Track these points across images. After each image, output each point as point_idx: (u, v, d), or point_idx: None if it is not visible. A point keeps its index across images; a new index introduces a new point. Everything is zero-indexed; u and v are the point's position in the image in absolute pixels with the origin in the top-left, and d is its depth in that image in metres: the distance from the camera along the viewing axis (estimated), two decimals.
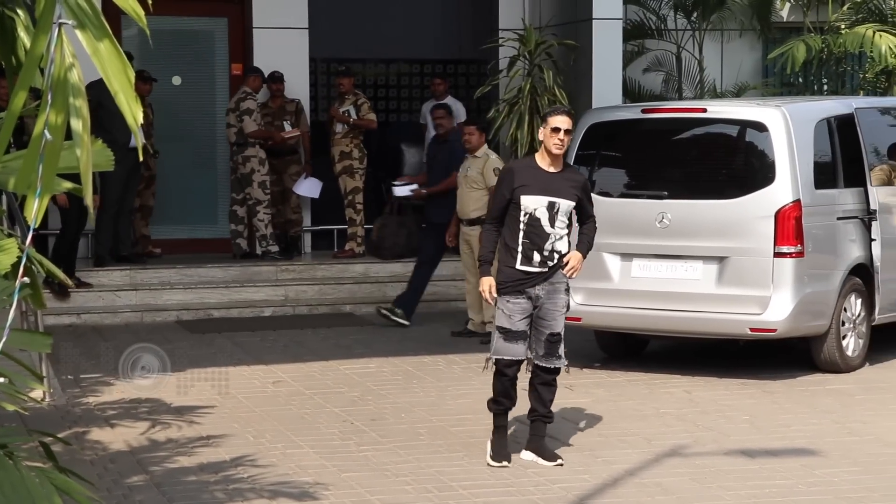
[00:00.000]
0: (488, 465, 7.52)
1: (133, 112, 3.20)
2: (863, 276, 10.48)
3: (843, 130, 10.67)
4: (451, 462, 7.63)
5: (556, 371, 7.64)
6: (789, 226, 9.78)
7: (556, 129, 7.45)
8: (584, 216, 7.72)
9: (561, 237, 7.50)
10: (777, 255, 9.78)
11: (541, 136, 7.63)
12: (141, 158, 4.05)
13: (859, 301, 10.43)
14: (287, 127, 14.38)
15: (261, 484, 7.15)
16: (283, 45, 14.72)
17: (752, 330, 9.90)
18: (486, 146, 11.79)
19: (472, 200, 11.59)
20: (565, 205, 7.49)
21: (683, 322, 10.12)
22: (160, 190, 14.48)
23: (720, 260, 9.97)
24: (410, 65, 16.38)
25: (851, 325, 10.34)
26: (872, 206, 10.51)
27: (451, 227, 12.01)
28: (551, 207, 7.46)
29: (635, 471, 7.42)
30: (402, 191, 12.94)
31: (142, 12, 3.24)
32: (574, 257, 7.52)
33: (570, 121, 7.54)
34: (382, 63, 16.36)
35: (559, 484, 7.17)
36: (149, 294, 13.27)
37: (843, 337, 10.26)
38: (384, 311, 12.43)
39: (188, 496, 6.93)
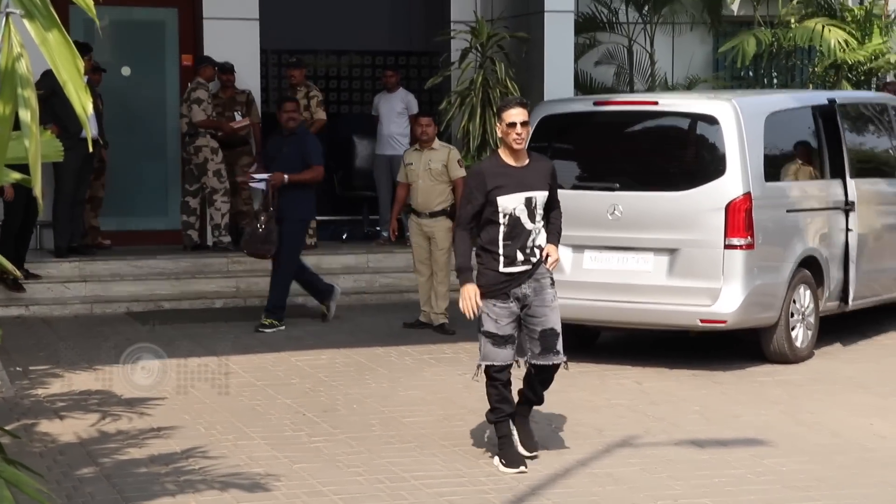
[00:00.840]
0: (501, 471, 7.22)
1: (82, 102, 3.18)
2: (812, 269, 10.57)
3: (800, 124, 10.85)
4: (403, 453, 7.63)
5: (556, 368, 7.44)
6: (740, 218, 9.84)
7: (512, 125, 7.23)
8: (553, 204, 7.46)
9: (540, 231, 7.34)
10: (727, 247, 9.84)
11: (499, 133, 7.38)
12: (91, 149, 4.02)
13: (808, 293, 10.52)
14: (238, 117, 14.32)
15: (212, 475, 7.12)
16: (233, 36, 14.64)
17: (702, 321, 9.96)
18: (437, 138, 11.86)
19: (437, 193, 11.60)
20: (541, 196, 7.31)
21: (635, 313, 10.17)
22: (110, 181, 14.37)
23: (671, 252, 10.02)
24: (362, 56, 16.36)
25: (800, 317, 10.44)
26: (850, 198, 10.82)
27: (392, 221, 12.11)
28: (529, 203, 7.27)
29: (587, 461, 7.45)
30: (258, 184, 12.09)
31: (91, 2, 3.22)
32: (552, 249, 7.36)
33: (525, 112, 7.28)
34: (334, 54, 16.33)
35: (511, 474, 7.18)
36: (99, 286, 13.18)
37: (793, 328, 10.34)
38: (260, 329, 11.78)
39: (139, 488, 6.89)
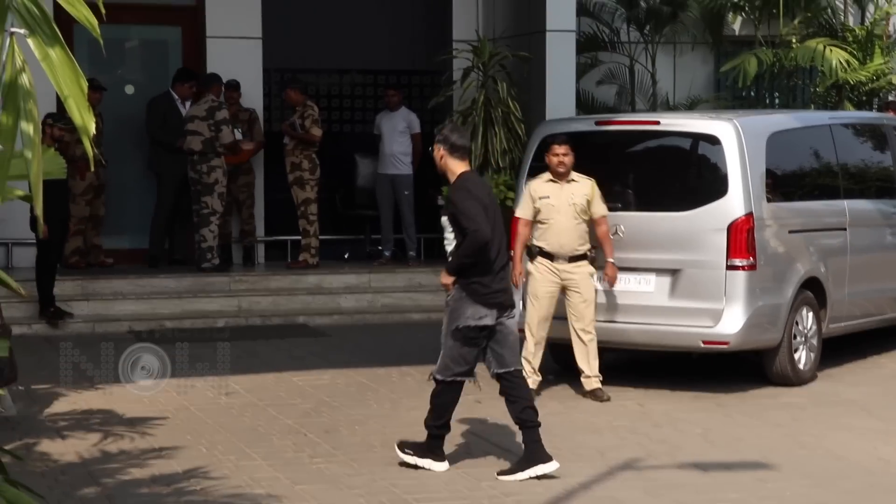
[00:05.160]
0: (537, 477, 7.45)
1: (84, 120, 3.18)
2: (814, 290, 10.55)
3: (801, 144, 10.86)
4: (404, 474, 7.61)
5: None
6: (741, 238, 9.83)
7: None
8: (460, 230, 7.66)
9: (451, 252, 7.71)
10: (730, 267, 9.83)
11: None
12: (92, 168, 4.01)
13: (811, 314, 10.50)
14: (239, 135, 14.34)
15: (213, 496, 7.10)
16: (236, 54, 14.68)
17: (704, 343, 9.94)
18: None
19: (579, 233, 9.80)
20: (443, 219, 7.73)
21: (637, 334, 10.15)
22: (111, 200, 14.38)
23: (673, 272, 10.01)
24: (364, 75, 16.38)
25: (803, 339, 10.41)
26: (849, 219, 10.90)
27: (517, 264, 9.85)
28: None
29: (589, 484, 7.42)
30: None
31: (95, 21, 3.22)
32: (442, 274, 7.77)
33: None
34: (336, 73, 16.35)
35: (513, 497, 7.16)
36: (101, 304, 13.17)
37: (795, 350, 10.32)
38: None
39: None
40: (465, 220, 7.49)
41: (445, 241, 7.79)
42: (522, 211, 9.90)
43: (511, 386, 7.66)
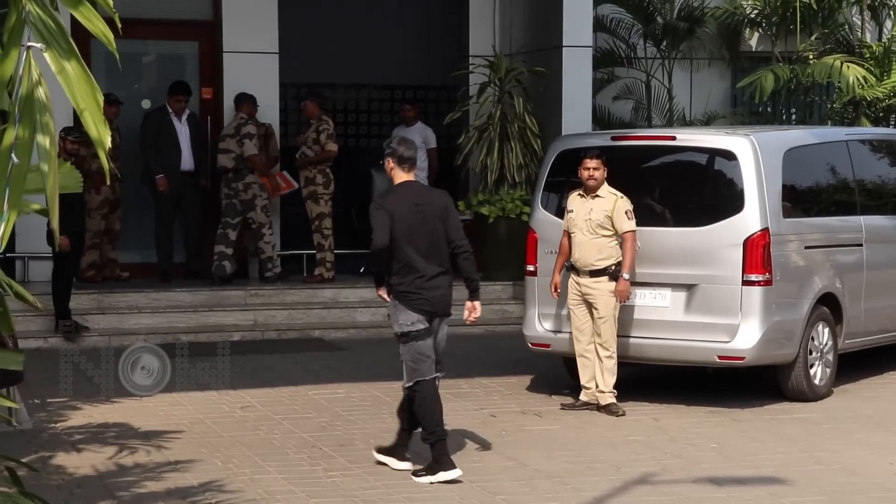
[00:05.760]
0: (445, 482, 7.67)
1: (101, 134, 3.20)
2: (830, 306, 10.53)
3: (816, 160, 10.83)
4: (419, 489, 7.61)
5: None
6: (757, 254, 9.82)
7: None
8: None
9: None
10: (745, 283, 9.82)
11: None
12: (108, 182, 4.03)
13: (827, 330, 10.47)
14: (254, 149, 14.40)
15: None
16: (253, 69, 14.72)
17: (720, 358, 9.93)
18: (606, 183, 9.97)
19: (597, 248, 9.81)
20: None
21: (652, 349, 10.14)
22: (128, 214, 14.42)
23: (689, 287, 10.00)
24: (381, 90, 16.42)
25: (819, 354, 10.39)
26: (865, 235, 10.89)
27: (555, 275, 10.06)
28: None
29: (604, 498, 7.41)
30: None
31: (111, 36, 3.24)
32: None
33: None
34: (353, 88, 16.39)
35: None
36: (116, 318, 13.21)
37: (811, 366, 10.29)
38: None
39: None
40: (373, 231, 7.94)
41: None
42: (564, 223, 10.07)
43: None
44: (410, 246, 7.85)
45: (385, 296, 8.06)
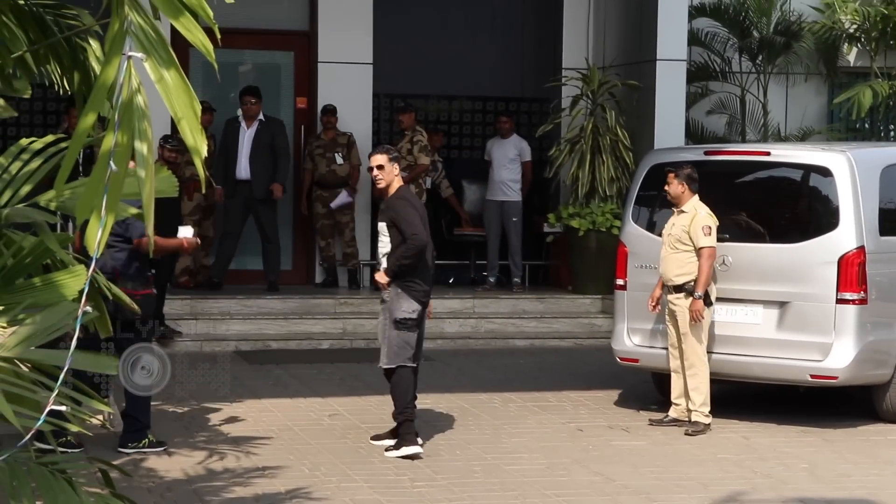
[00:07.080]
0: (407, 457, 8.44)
1: (197, 142, 3.24)
2: None
3: None
4: (505, 500, 7.59)
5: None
6: (852, 272, 9.68)
7: (370, 168, 8.79)
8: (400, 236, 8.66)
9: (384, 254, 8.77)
10: (840, 301, 9.68)
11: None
12: (203, 190, 4.08)
13: None
14: (339, 159, 14.48)
15: None
16: (347, 79, 14.82)
17: (812, 377, 9.79)
18: (695, 198, 9.85)
19: (677, 263, 9.74)
20: (381, 226, 8.75)
21: (743, 366, 10.03)
22: (219, 221, 14.57)
23: (781, 305, 9.88)
24: (473, 102, 16.44)
25: None
26: None
27: (654, 290, 9.97)
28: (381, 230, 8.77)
29: None
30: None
31: (210, 46, 3.28)
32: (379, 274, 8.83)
33: (380, 157, 8.70)
34: (445, 99, 16.43)
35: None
36: (208, 324, 13.35)
37: None
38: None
39: None
40: (406, 225, 8.58)
41: (380, 245, 8.83)
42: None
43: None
44: (429, 243, 8.75)
45: (383, 282, 8.74)
